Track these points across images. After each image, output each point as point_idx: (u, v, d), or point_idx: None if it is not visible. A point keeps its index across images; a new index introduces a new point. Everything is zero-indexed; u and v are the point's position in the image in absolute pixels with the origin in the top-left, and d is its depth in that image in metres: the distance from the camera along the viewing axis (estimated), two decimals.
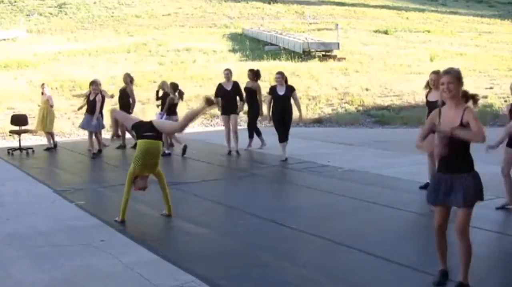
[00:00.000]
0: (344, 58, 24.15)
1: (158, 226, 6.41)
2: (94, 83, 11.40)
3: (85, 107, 11.70)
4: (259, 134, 11.73)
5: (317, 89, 18.94)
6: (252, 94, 11.32)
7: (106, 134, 13.92)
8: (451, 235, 4.26)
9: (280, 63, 22.67)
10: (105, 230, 6.08)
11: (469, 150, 4.07)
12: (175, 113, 11.11)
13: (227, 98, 10.99)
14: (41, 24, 36.54)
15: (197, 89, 19.15)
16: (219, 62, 23.40)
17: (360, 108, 17.35)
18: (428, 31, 33.99)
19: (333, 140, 12.84)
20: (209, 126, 16.41)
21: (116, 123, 7.40)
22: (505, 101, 15.36)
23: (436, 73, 7.23)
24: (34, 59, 24.28)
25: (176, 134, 9.99)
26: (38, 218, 6.61)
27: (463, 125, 3.95)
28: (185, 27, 35.25)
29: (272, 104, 10.25)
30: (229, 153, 11.04)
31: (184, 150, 10.99)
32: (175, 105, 11.19)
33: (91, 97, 11.33)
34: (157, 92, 12.02)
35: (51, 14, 39.43)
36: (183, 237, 5.95)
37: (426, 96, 7.50)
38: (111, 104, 12.55)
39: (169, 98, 11.10)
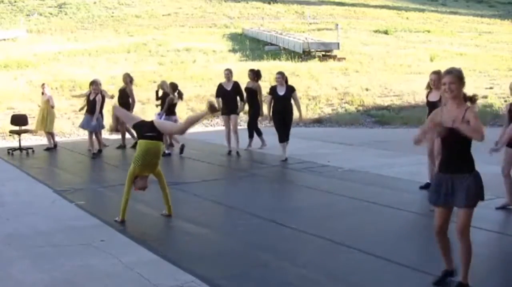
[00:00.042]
0: (344, 58, 24.15)
1: (158, 226, 6.41)
2: (94, 83, 11.40)
3: (85, 107, 11.71)
4: (260, 134, 11.72)
5: (317, 89, 18.94)
6: (253, 94, 11.32)
7: (106, 134, 13.94)
8: (451, 235, 4.25)
9: (280, 63, 22.66)
10: (105, 230, 6.08)
11: (470, 150, 4.07)
12: (174, 113, 11.12)
13: (227, 98, 10.99)
14: (41, 24, 36.53)
15: (197, 89, 19.16)
16: (219, 62, 23.40)
17: (360, 108, 17.35)
18: (428, 31, 33.98)
19: (333, 140, 12.84)
20: (209, 126, 16.41)
21: (116, 120, 7.42)
22: (505, 101, 15.36)
23: (436, 73, 7.23)
24: (34, 59, 24.28)
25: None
26: (38, 218, 6.61)
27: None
28: (185, 27, 35.25)
29: (272, 104, 10.25)
30: (229, 153, 11.04)
31: (182, 148, 11.03)
32: (174, 105, 11.20)
33: (91, 97, 11.34)
34: (157, 92, 12.02)
35: (51, 14, 39.43)
36: (183, 237, 5.95)
37: (427, 97, 7.50)
38: (111, 104, 12.54)
39: (168, 98, 11.10)
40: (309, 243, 5.57)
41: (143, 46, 27.75)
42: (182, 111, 16.57)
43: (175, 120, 10.97)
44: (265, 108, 11.25)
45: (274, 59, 24.13)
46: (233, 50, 27.34)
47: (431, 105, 7.01)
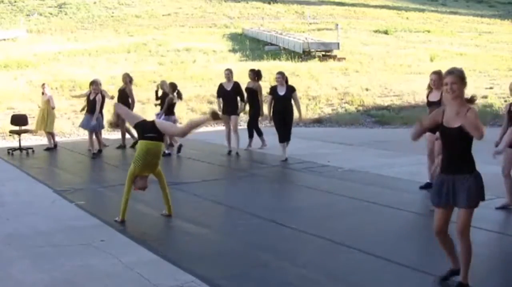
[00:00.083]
0: (344, 58, 24.14)
1: (158, 226, 6.41)
2: (95, 83, 11.40)
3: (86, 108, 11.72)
4: (260, 134, 11.72)
5: (317, 89, 18.94)
6: (253, 94, 11.32)
7: (106, 134, 13.95)
8: (451, 236, 4.25)
9: (280, 63, 22.66)
10: (105, 230, 6.08)
11: (471, 151, 4.07)
12: (173, 113, 11.13)
13: (227, 98, 11.00)
14: (41, 24, 36.53)
15: (197, 89, 19.16)
16: (219, 62, 23.40)
17: (360, 108, 17.35)
18: (428, 31, 33.98)
19: (333, 140, 12.84)
20: (209, 126, 16.40)
21: (117, 116, 7.41)
22: (505, 101, 15.36)
23: (437, 73, 7.23)
24: (34, 59, 24.28)
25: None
26: (38, 218, 6.61)
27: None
28: (185, 27, 35.25)
29: (272, 104, 10.26)
30: (229, 153, 11.04)
31: (179, 148, 11.04)
32: (173, 105, 11.20)
33: (91, 97, 11.34)
34: (156, 92, 12.02)
35: (51, 14, 39.43)
36: (183, 237, 5.95)
37: (427, 96, 7.49)
38: (111, 105, 12.54)
39: (168, 98, 11.09)
40: (309, 243, 5.57)
41: (143, 46, 27.75)
42: (182, 111, 16.60)
43: (174, 120, 10.98)
44: (265, 109, 11.24)
45: (274, 59, 24.13)
46: (233, 50, 27.34)
47: (432, 105, 7.01)
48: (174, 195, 6.89)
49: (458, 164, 4.05)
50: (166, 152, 10.77)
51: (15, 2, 41.88)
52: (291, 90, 10.19)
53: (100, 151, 11.46)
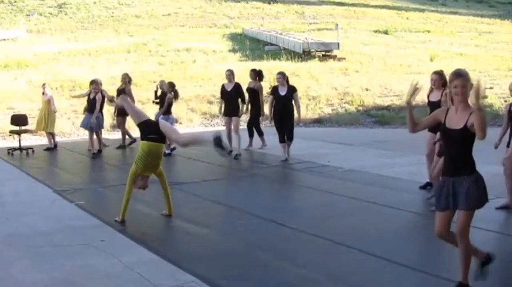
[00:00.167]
0: (344, 58, 24.14)
1: (158, 226, 6.41)
2: (95, 83, 11.41)
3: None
4: (261, 134, 11.71)
5: (317, 89, 18.94)
6: (254, 94, 11.31)
7: (106, 134, 13.95)
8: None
9: (280, 63, 22.66)
10: (105, 230, 6.08)
11: (471, 153, 4.05)
12: (170, 112, 11.14)
13: (227, 99, 10.98)
14: (41, 24, 36.54)
15: (197, 89, 19.16)
16: (219, 62, 23.40)
17: (360, 108, 17.35)
18: (428, 31, 33.98)
19: (333, 140, 12.84)
20: (209, 126, 16.41)
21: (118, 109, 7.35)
22: (505, 101, 15.36)
23: (437, 73, 7.24)
24: (34, 59, 24.28)
25: None
26: (38, 218, 6.61)
27: (467, 128, 3.93)
28: (185, 27, 35.25)
29: (273, 104, 10.26)
30: (230, 152, 11.00)
31: (174, 148, 11.09)
32: (170, 104, 11.21)
33: (91, 96, 11.34)
34: (156, 91, 12.02)
35: (51, 14, 39.43)
36: (183, 237, 5.95)
37: (428, 96, 7.49)
38: (112, 104, 12.54)
39: (167, 97, 11.10)
40: (309, 243, 5.57)
41: (143, 46, 27.75)
42: (182, 111, 16.63)
43: (173, 120, 11.03)
44: (266, 108, 11.23)
45: (274, 59, 24.13)
46: (233, 50, 27.34)
47: (432, 105, 7.01)
48: (174, 195, 6.89)
49: (458, 165, 4.04)
50: (167, 152, 10.77)
51: (15, 2, 41.88)
52: (292, 90, 10.18)
53: (100, 151, 11.46)
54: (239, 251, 5.37)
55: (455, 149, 4.05)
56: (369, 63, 23.38)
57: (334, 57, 24.40)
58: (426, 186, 7.53)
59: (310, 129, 15.28)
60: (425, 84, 7.76)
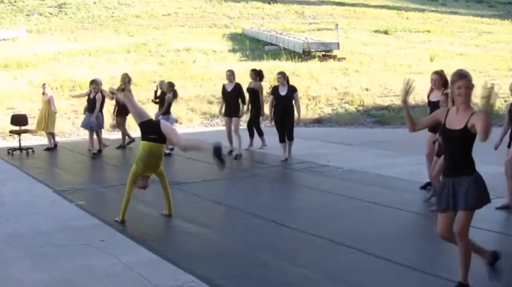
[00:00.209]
0: (344, 58, 24.14)
1: (158, 226, 6.41)
2: (95, 82, 11.41)
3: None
4: (261, 134, 11.71)
5: (317, 89, 18.94)
6: (255, 94, 11.30)
7: (106, 134, 13.95)
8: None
9: (280, 63, 22.67)
10: (105, 230, 6.08)
11: (471, 152, 4.04)
12: (169, 112, 11.14)
13: (228, 99, 10.98)
14: (41, 24, 36.54)
15: (197, 89, 19.16)
16: (219, 62, 23.41)
17: (360, 108, 17.35)
18: (428, 31, 33.99)
19: (333, 140, 12.84)
20: (209, 126, 16.41)
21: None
22: (505, 101, 15.35)
23: (438, 73, 7.23)
24: (34, 59, 24.28)
25: None
26: (38, 218, 6.61)
27: (468, 128, 3.93)
28: (185, 27, 35.25)
29: (273, 104, 10.26)
30: (230, 152, 11.02)
31: (172, 148, 11.10)
32: (170, 104, 11.21)
33: (91, 96, 11.34)
34: (155, 91, 12.02)
35: (51, 14, 39.43)
36: (183, 237, 5.95)
37: (428, 96, 7.49)
38: (111, 104, 12.55)
39: (167, 97, 11.10)
40: (309, 243, 5.57)
41: (143, 46, 27.75)
42: (182, 111, 16.63)
43: (173, 120, 11.03)
44: (266, 109, 11.23)
45: (274, 59, 24.13)
46: (233, 50, 27.34)
47: (432, 105, 7.01)
48: (174, 195, 6.89)
49: (457, 166, 4.04)
50: (166, 152, 10.77)
51: (15, 2, 41.88)
52: (292, 90, 10.18)
53: (100, 151, 11.46)
54: (239, 251, 5.37)
55: (455, 149, 4.05)
56: (369, 63, 23.39)
57: (334, 57, 24.40)
58: (426, 186, 7.53)
59: (310, 129, 15.28)
60: (425, 84, 7.80)
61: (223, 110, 11.26)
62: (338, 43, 25.39)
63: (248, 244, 5.55)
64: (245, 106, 11.38)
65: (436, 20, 39.89)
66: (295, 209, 7.00)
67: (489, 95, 3.71)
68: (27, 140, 13.68)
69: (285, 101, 10.10)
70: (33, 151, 11.97)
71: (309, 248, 5.42)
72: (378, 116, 16.43)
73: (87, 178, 9.58)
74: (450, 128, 4.04)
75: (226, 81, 11.13)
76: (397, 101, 17.67)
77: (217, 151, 6.04)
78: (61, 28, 34.93)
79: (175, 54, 25.93)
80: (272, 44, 28.43)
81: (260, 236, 5.83)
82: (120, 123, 12.46)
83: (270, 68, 18.19)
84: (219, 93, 11.78)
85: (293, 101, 10.19)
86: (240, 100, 11.04)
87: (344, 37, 28.52)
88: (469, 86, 3.99)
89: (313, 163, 9.88)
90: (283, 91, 10.13)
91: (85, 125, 11.59)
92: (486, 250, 4.23)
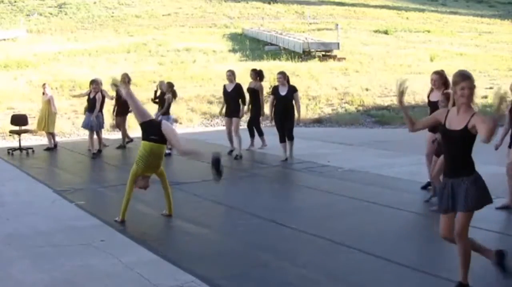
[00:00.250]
0: (344, 58, 24.15)
1: (158, 226, 6.41)
2: (95, 82, 11.42)
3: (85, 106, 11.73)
4: (261, 134, 11.71)
5: (317, 89, 18.94)
6: (255, 94, 11.30)
7: (106, 134, 13.95)
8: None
9: (280, 63, 22.67)
10: (105, 230, 6.08)
11: (471, 153, 4.04)
12: (169, 113, 11.14)
13: (228, 100, 10.97)
14: (41, 24, 36.54)
15: (197, 89, 19.16)
16: (219, 62, 23.41)
17: (360, 108, 17.35)
18: (428, 31, 34.00)
19: (333, 140, 12.84)
20: (209, 126, 16.40)
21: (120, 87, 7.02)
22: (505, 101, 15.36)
23: (438, 73, 7.23)
24: (34, 59, 24.29)
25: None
26: (38, 218, 6.61)
27: (468, 129, 3.93)
28: (185, 27, 35.26)
29: (274, 104, 10.26)
30: (230, 152, 11.01)
31: (171, 148, 11.09)
32: (169, 104, 11.21)
33: (91, 96, 11.35)
34: (155, 92, 12.03)
35: (51, 14, 39.44)
36: (183, 237, 5.95)
37: (428, 96, 7.48)
38: (111, 104, 12.55)
39: (167, 98, 11.10)
40: (309, 243, 5.57)
41: (143, 46, 27.75)
42: (182, 111, 16.63)
43: (172, 120, 11.03)
44: (267, 108, 11.23)
45: (274, 59, 24.14)
46: (233, 50, 27.35)
47: (433, 105, 7.01)
48: (175, 195, 6.88)
49: (457, 166, 4.04)
50: (166, 151, 10.76)
51: (15, 2, 41.89)
52: (292, 90, 10.18)
53: (100, 151, 11.45)
54: (239, 251, 5.37)
55: (455, 150, 4.05)
56: (369, 63, 23.39)
57: (334, 57, 24.41)
58: (427, 186, 7.53)
59: (310, 129, 15.28)
60: (425, 84, 7.80)
61: (223, 111, 11.25)
62: (338, 43, 25.40)
63: (248, 244, 5.55)
64: (245, 107, 11.38)
65: (436, 20, 39.91)
66: (295, 209, 7.00)
67: (501, 101, 3.72)
68: (27, 140, 13.67)
69: (285, 101, 10.10)
70: (33, 151, 11.97)
71: (309, 248, 5.41)
72: (378, 116, 16.43)
73: (87, 178, 9.58)
74: (450, 128, 4.04)
75: (226, 82, 11.12)
76: (397, 101, 17.69)
77: (216, 162, 6.01)
78: (61, 28, 34.94)
79: (175, 54, 25.93)
80: (272, 44, 28.43)
81: (260, 236, 5.83)
82: (120, 123, 12.46)
83: (270, 68, 18.20)
84: (219, 93, 11.78)
85: (293, 101, 10.19)
86: (240, 101, 11.03)
87: (344, 37, 28.53)
88: (473, 88, 3.98)
89: (313, 163, 9.88)
90: (283, 91, 10.13)
91: (85, 125, 11.59)
92: (489, 250, 4.22)
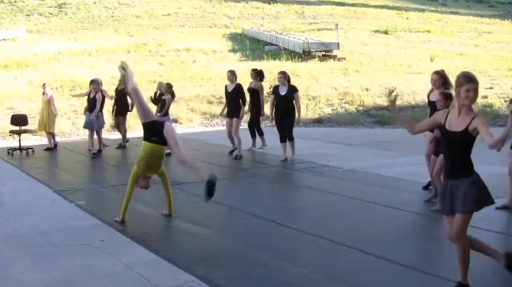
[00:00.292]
0: (344, 58, 24.15)
1: (158, 226, 6.41)
2: (95, 82, 11.42)
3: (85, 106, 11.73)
4: (261, 134, 11.71)
5: (317, 89, 18.94)
6: (255, 94, 11.30)
7: (106, 134, 13.95)
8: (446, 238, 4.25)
9: (280, 63, 22.68)
10: (105, 230, 6.08)
11: (470, 155, 4.03)
12: (167, 113, 11.15)
13: (228, 100, 10.98)
14: (41, 24, 36.55)
15: (197, 89, 19.17)
16: (219, 62, 23.42)
17: (360, 108, 17.35)
18: (428, 31, 34.00)
19: (333, 140, 12.84)
20: (209, 126, 16.41)
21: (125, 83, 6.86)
22: (505, 101, 15.36)
23: (438, 73, 7.22)
24: (34, 59, 24.30)
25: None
26: (38, 218, 6.61)
27: (469, 131, 3.93)
28: (185, 27, 35.27)
29: (274, 104, 10.27)
30: (231, 152, 11.00)
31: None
32: (169, 105, 11.20)
33: (91, 96, 11.35)
34: (155, 93, 12.02)
35: (51, 14, 39.45)
36: (183, 237, 5.95)
37: (428, 96, 7.48)
38: (111, 104, 12.55)
39: (167, 99, 11.10)
40: (309, 243, 5.57)
41: (143, 46, 27.76)
42: (182, 111, 16.63)
43: (172, 120, 11.03)
44: (267, 108, 11.22)
45: (274, 59, 24.14)
46: (233, 50, 27.35)
47: (432, 105, 7.00)
48: (175, 195, 6.88)
49: (456, 167, 4.03)
50: (167, 151, 10.75)
51: (15, 2, 41.90)
52: (293, 90, 10.17)
53: (100, 151, 11.46)
54: (239, 251, 5.37)
55: (455, 151, 4.04)
56: (369, 63, 23.39)
57: (334, 57, 24.41)
58: (428, 186, 7.52)
59: (310, 129, 15.28)
60: (425, 84, 7.80)
61: (225, 112, 11.23)
62: (338, 43, 25.40)
63: (248, 244, 5.55)
64: (245, 107, 11.38)
65: (436, 20, 39.92)
66: (295, 209, 7.00)
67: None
68: (27, 140, 13.68)
69: (286, 101, 10.09)
70: (33, 151, 11.98)
71: (309, 248, 5.41)
72: (378, 116, 16.43)
73: (87, 178, 9.58)
74: (450, 130, 4.03)
75: (226, 82, 11.12)
76: (398, 101, 17.62)
77: (210, 185, 5.97)
78: (61, 28, 34.95)
79: (175, 54, 25.94)
80: (272, 44, 28.44)
81: (260, 236, 5.83)
82: (120, 123, 12.46)
83: (270, 68, 18.20)
84: (219, 93, 11.79)
85: (294, 101, 10.18)
86: (241, 101, 11.03)
87: (344, 37, 28.54)
88: (477, 90, 3.98)
89: (313, 163, 9.88)
90: (283, 91, 10.12)
91: (87, 125, 11.59)
92: (499, 253, 4.20)
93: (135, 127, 13.91)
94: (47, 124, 12.05)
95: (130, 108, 12.20)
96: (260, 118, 11.79)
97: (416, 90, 17.39)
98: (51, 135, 12.27)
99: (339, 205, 7.10)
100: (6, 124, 13.28)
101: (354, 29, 33.98)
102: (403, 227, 6.20)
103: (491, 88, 18.40)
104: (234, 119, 10.86)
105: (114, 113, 12.51)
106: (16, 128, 12.22)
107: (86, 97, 11.69)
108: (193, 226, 6.22)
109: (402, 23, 37.28)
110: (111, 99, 12.07)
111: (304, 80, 19.61)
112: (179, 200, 7.07)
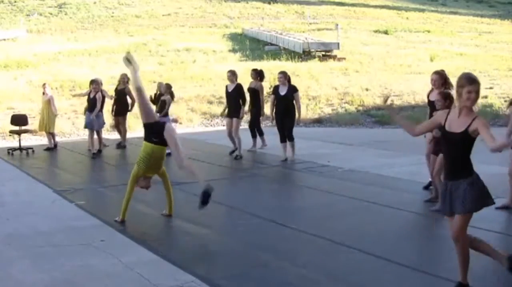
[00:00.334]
0: (344, 58, 24.15)
1: (158, 226, 6.41)
2: (95, 82, 11.42)
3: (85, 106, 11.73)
4: (261, 134, 11.71)
5: (317, 89, 18.94)
6: (255, 94, 11.30)
7: (106, 134, 13.95)
8: (448, 238, 4.25)
9: (280, 63, 22.68)
10: (105, 230, 6.07)
11: (469, 156, 4.03)
12: (167, 114, 11.15)
13: (229, 100, 10.98)
14: (41, 24, 36.55)
15: (197, 89, 19.16)
16: (219, 62, 23.42)
17: (360, 108, 17.35)
18: (428, 31, 34.00)
19: (333, 140, 12.84)
20: (209, 126, 16.40)
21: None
22: (505, 101, 15.36)
23: (438, 73, 7.22)
24: (34, 59, 24.29)
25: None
26: (38, 218, 6.61)
27: (469, 133, 3.93)
28: (185, 27, 35.27)
29: (275, 103, 10.27)
30: (232, 152, 11.00)
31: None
32: (169, 106, 11.20)
33: (91, 95, 11.35)
34: (155, 93, 12.02)
35: (51, 14, 39.45)
36: (183, 237, 5.95)
37: (428, 96, 7.48)
38: (111, 104, 12.55)
39: (167, 99, 11.09)
40: (309, 243, 5.57)
41: (143, 46, 27.76)
42: (182, 111, 16.63)
43: (172, 120, 11.02)
44: (267, 108, 11.22)
45: (274, 59, 24.14)
46: (233, 50, 27.35)
47: (432, 105, 7.00)
48: (175, 195, 6.88)
49: (456, 168, 4.03)
50: (167, 151, 10.75)
51: (15, 2, 41.91)
52: (293, 90, 10.16)
53: (100, 151, 11.45)
54: (239, 251, 5.37)
55: (455, 152, 4.04)
56: (369, 63, 23.39)
57: (334, 57, 24.42)
58: (428, 186, 7.52)
59: (310, 129, 15.28)
60: (425, 84, 7.80)
61: (225, 112, 11.23)
62: (338, 43, 25.40)
63: (248, 244, 5.55)
64: (245, 107, 11.38)
65: (436, 20, 39.92)
66: (295, 209, 7.00)
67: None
68: (27, 140, 13.68)
69: (286, 101, 10.09)
70: (33, 151, 11.98)
71: (309, 248, 5.41)
72: (378, 116, 16.42)
73: (87, 178, 9.58)
74: (450, 131, 4.03)
75: (227, 82, 11.13)
76: (398, 101, 17.71)
77: (205, 195, 5.99)
78: (61, 28, 34.95)
79: (175, 54, 25.94)
80: (272, 44, 28.44)
81: (260, 236, 5.83)
82: (120, 123, 12.46)
83: (270, 68, 18.19)
84: (219, 93, 11.79)
85: (294, 101, 10.18)
86: (241, 101, 11.03)
87: (344, 37, 28.54)
88: (479, 92, 3.97)
89: (313, 163, 9.88)
90: (283, 91, 10.12)
91: (88, 124, 11.59)
92: (502, 255, 4.19)
93: (135, 127, 13.92)
94: (47, 124, 12.05)
95: (130, 108, 12.21)
96: (260, 118, 11.79)
97: (416, 90, 17.39)
98: (51, 135, 12.27)
99: (339, 205, 7.10)
100: (6, 124, 13.28)
101: (354, 29, 33.98)
102: (403, 227, 6.20)
103: (491, 88, 18.40)
104: (234, 119, 10.86)
105: (114, 113, 12.51)
106: (16, 128, 12.22)
107: (86, 97, 11.68)
108: (193, 226, 6.22)
109: (402, 23, 37.28)
110: (111, 99, 12.06)
111: (304, 80, 19.60)
112: (179, 200, 7.07)
